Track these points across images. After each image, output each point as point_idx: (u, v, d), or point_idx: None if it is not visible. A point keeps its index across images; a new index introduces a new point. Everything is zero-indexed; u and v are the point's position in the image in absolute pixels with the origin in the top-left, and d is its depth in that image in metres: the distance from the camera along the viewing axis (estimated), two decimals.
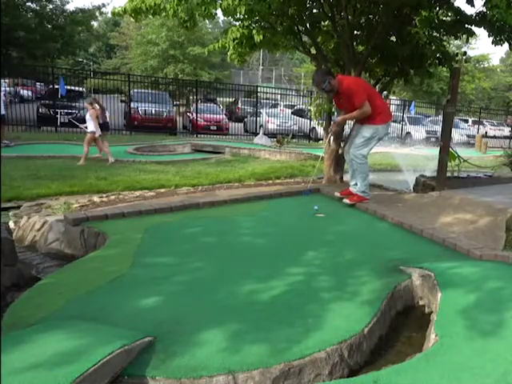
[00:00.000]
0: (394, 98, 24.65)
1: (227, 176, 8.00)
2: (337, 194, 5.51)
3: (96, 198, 5.86)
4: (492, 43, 6.23)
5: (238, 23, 6.42)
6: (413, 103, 23.45)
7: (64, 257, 4.00)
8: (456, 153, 6.81)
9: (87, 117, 9.32)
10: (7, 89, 16.82)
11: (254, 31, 5.98)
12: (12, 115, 13.72)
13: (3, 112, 11.15)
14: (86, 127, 9.32)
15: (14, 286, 3.21)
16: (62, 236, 4.17)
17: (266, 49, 7.05)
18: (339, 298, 2.78)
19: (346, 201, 5.12)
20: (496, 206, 4.59)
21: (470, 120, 27.27)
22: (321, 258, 3.54)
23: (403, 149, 15.20)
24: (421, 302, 3.09)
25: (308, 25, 6.56)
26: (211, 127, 17.67)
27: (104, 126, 9.82)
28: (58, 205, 5.41)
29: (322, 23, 6.80)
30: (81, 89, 18.48)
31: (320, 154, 6.68)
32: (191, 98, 21.31)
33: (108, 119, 10.18)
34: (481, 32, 51.84)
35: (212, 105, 20.23)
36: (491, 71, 38.50)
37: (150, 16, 6.00)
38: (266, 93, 21.58)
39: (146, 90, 18.56)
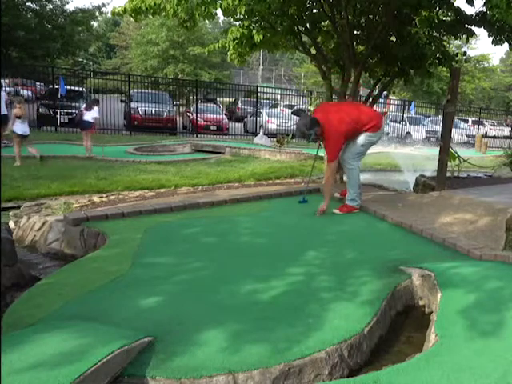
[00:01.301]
0: (394, 98, 24.65)
1: (227, 176, 8.00)
2: (336, 195, 5.50)
3: (96, 198, 5.85)
4: (492, 43, 6.24)
5: (238, 23, 6.42)
6: (413, 103, 23.46)
7: (64, 257, 3.99)
8: (456, 153, 6.81)
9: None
10: (7, 89, 16.82)
11: (254, 31, 5.98)
12: (8, 115, 13.69)
13: (5, 112, 11.13)
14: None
15: (14, 286, 3.21)
16: (62, 236, 4.17)
17: (266, 49, 7.05)
18: (339, 298, 2.78)
19: (336, 211, 5.01)
20: (496, 206, 4.59)
21: (470, 120, 27.26)
22: (321, 257, 3.54)
23: (403, 149, 15.20)
24: (421, 302, 3.09)
25: (308, 25, 6.56)
26: (211, 127, 17.67)
27: (82, 125, 9.78)
28: (58, 205, 5.41)
29: (322, 23, 6.80)
30: (81, 89, 18.48)
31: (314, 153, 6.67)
32: (191, 98, 21.32)
33: (87, 117, 9.75)
34: (481, 32, 51.91)
35: (212, 105, 20.23)
36: (491, 71, 38.50)
37: (150, 16, 6.00)
38: (266, 93, 21.58)
39: (146, 90, 18.56)
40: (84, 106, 10.47)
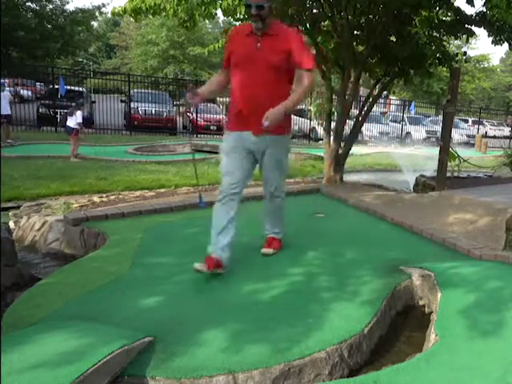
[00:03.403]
0: (394, 98, 24.66)
1: None
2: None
3: (96, 198, 5.85)
4: (492, 43, 6.25)
5: (238, 23, 6.42)
6: (413, 103, 23.46)
7: (64, 257, 3.99)
8: (456, 153, 6.82)
9: None
10: (7, 88, 16.86)
11: None
12: (12, 115, 13.72)
13: (9, 112, 11.19)
14: None
15: (14, 286, 3.21)
16: (62, 236, 4.17)
17: None
18: (339, 298, 2.78)
19: (268, 250, 3.61)
20: (496, 206, 4.59)
21: (470, 120, 27.27)
22: (321, 258, 3.54)
23: (403, 149, 15.20)
24: (421, 302, 3.09)
25: (308, 25, 6.55)
26: (211, 127, 17.68)
27: (66, 130, 9.87)
28: (58, 205, 5.41)
29: (322, 23, 6.80)
30: (81, 89, 18.49)
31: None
32: None
33: (69, 123, 9.75)
34: (481, 32, 51.95)
35: (212, 105, 20.22)
36: (491, 71, 38.55)
37: (150, 16, 6.01)
38: None
39: (146, 90, 18.56)
40: (76, 105, 10.52)
